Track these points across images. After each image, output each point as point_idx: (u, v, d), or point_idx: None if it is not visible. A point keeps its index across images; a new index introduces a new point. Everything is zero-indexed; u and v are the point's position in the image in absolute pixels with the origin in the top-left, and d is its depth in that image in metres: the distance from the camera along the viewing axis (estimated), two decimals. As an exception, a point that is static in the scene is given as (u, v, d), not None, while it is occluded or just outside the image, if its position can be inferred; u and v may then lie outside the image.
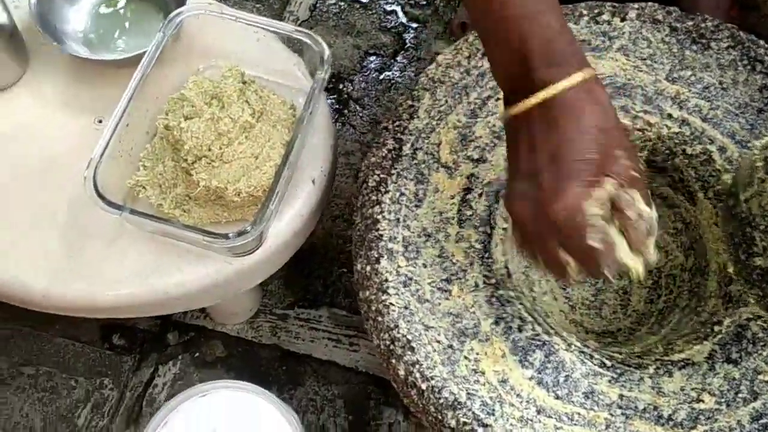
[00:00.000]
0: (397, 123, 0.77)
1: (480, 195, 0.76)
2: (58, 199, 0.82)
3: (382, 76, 1.14)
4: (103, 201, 0.73)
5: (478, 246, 0.74)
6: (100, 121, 0.86)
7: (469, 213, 0.75)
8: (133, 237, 0.79)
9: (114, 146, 0.76)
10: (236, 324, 0.97)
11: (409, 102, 0.78)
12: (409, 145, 0.76)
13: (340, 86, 1.12)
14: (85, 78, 0.87)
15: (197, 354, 0.95)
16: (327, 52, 0.80)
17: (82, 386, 0.92)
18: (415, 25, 1.17)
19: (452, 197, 0.76)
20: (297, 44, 0.83)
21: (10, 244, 0.79)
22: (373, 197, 0.74)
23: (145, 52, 0.84)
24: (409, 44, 1.15)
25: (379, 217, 0.73)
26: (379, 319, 0.70)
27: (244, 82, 0.80)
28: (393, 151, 0.76)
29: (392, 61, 1.14)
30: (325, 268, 1.01)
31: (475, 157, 0.77)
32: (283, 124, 0.79)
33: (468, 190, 0.76)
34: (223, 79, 0.77)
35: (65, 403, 0.92)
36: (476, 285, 0.72)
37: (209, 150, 0.74)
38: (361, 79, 1.13)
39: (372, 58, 1.15)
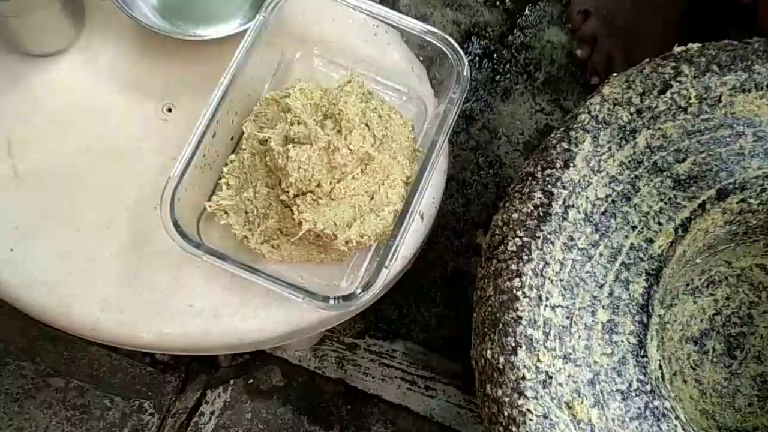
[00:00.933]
0: (548, 171, 0.62)
1: (639, 273, 0.62)
2: (115, 205, 0.67)
3: (485, 63, 0.97)
4: (181, 236, 0.58)
5: (632, 340, 0.60)
6: (170, 110, 0.70)
7: (623, 296, 0.61)
8: (205, 265, 0.65)
9: (197, 161, 0.61)
10: (298, 350, 0.84)
11: (565, 145, 0.63)
12: (560, 201, 0.62)
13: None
14: (154, 53, 0.71)
15: (251, 380, 0.82)
16: (466, 66, 0.64)
17: (118, 407, 0.80)
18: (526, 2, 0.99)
19: (605, 273, 0.62)
20: (426, 49, 0.67)
21: (56, 258, 0.65)
22: (513, 266, 0.60)
23: (233, 35, 0.68)
24: (517, 25, 0.98)
25: (519, 293, 0.60)
26: (513, 429, 0.57)
27: (366, 99, 0.64)
28: (540, 208, 0.61)
29: (497, 45, 0.97)
30: (403, 295, 0.87)
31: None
32: (404, 154, 0.64)
33: (625, 265, 0.62)
34: (342, 94, 0.61)
35: (97, 425, 0.79)
36: (628, 390, 0.59)
37: (318, 186, 0.59)
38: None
39: (474, 40, 0.98)
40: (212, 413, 0.81)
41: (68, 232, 0.66)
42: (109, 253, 0.66)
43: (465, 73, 0.64)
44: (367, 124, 0.61)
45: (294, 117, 0.61)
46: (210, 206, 0.63)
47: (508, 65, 0.96)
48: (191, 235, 0.59)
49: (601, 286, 0.62)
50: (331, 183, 0.59)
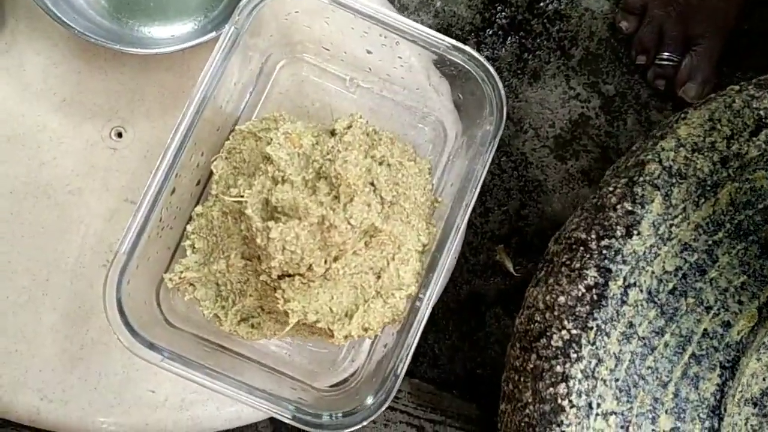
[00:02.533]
0: (606, 242, 0.48)
1: (712, 367, 0.49)
2: (51, 264, 0.53)
3: (511, 37, 0.81)
4: (131, 333, 0.45)
5: (702, 455, 0.48)
6: (120, 135, 0.55)
7: (692, 396, 0.49)
8: (166, 334, 0.52)
9: (153, 227, 0.46)
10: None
11: (628, 206, 0.48)
12: (620, 280, 0.48)
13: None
14: (98, 61, 0.55)
15: None
16: (502, 93, 0.49)
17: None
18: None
19: (670, 368, 0.49)
20: (449, 67, 0.51)
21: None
22: (558, 368, 0.47)
23: (196, 43, 0.52)
24: (550, -10, 0.81)
25: (565, 402, 0.47)
26: None
27: (372, 144, 0.48)
28: (594, 290, 0.48)
29: (526, 15, 0.80)
30: (410, 322, 0.74)
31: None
32: (419, 214, 0.49)
33: (695, 358, 0.49)
34: (340, 145, 0.46)
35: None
36: None
37: (309, 269, 0.45)
38: (486, 39, 0.80)
39: (498, 8, 0.81)
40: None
41: (-7, 300, 0.52)
42: (45, 328, 0.52)
43: (502, 101, 0.48)
44: (373, 184, 0.47)
45: (277, 171, 0.46)
46: (170, 280, 0.49)
47: (538, 40, 0.80)
48: (143, 329, 0.46)
49: (665, 385, 0.49)
50: (326, 262, 0.45)
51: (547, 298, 0.48)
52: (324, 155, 0.46)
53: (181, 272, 0.49)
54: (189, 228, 0.50)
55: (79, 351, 0.52)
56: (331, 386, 0.52)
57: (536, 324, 0.48)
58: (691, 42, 0.77)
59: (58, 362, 0.52)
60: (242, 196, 0.46)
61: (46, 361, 0.52)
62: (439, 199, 0.51)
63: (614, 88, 0.80)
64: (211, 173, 0.51)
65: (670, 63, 0.77)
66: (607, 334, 0.48)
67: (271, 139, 0.47)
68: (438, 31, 0.78)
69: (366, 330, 0.46)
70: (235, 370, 0.50)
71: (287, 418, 0.45)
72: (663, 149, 0.49)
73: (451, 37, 0.78)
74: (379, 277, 0.47)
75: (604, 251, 0.48)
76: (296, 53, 0.55)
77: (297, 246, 0.44)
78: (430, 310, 0.46)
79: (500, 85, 0.48)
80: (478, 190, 0.48)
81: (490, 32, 0.80)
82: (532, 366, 0.48)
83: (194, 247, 0.49)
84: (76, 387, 0.52)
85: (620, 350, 0.48)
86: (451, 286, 0.76)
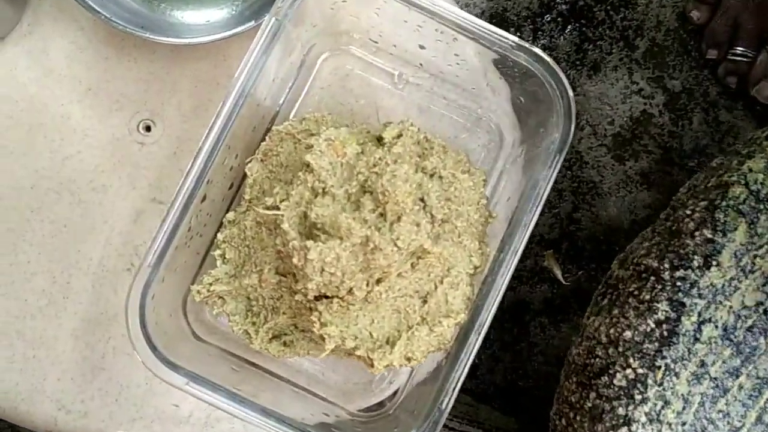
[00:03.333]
0: (681, 273, 0.43)
1: (794, 416, 0.44)
2: (72, 266, 0.49)
3: (571, 25, 0.75)
4: (158, 357, 0.41)
5: None
6: (148, 129, 0.51)
7: (769, 448, 0.44)
8: (192, 348, 0.48)
9: (181, 238, 0.42)
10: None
11: (708, 233, 0.43)
12: (694, 316, 0.43)
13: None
14: (128, 48, 0.50)
15: None
16: (572, 102, 0.44)
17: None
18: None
19: (743, 412, 0.44)
20: (511, 66, 0.46)
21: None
22: (620, 409, 0.42)
23: (232, 33, 0.47)
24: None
25: (626, 449, 0.42)
26: None
27: (423, 155, 0.44)
28: (665, 325, 0.43)
29: (587, 2, 0.74)
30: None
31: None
32: (471, 233, 0.44)
33: (774, 403, 0.44)
34: (388, 157, 0.41)
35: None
36: None
37: (349, 292, 0.41)
38: (543, 26, 0.74)
39: (556, -8, 0.75)
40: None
41: (9, 303, 0.49)
42: (65, 334, 0.49)
43: (571, 108, 0.43)
44: (423, 200, 0.42)
45: (318, 182, 0.42)
46: (198, 292, 0.45)
47: (600, 29, 0.74)
48: (168, 347, 0.42)
49: (736, 431, 0.44)
50: (368, 285, 0.41)
51: (611, 331, 0.44)
52: (370, 167, 0.41)
53: (210, 284, 0.45)
54: (220, 236, 0.46)
55: (100, 360, 0.49)
56: (366, 409, 0.48)
57: (597, 359, 0.44)
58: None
59: (78, 371, 0.48)
60: (278, 208, 0.42)
61: (65, 370, 0.48)
62: (493, 215, 0.46)
63: (681, 84, 0.74)
64: (244, 176, 0.47)
65: (744, 59, 0.71)
66: (676, 374, 0.43)
67: (312, 146, 0.42)
68: (492, 15, 0.73)
69: (409, 360, 0.42)
70: (264, 390, 0.46)
71: (319, 453, 0.41)
72: (750, 170, 0.44)
73: (506, 22, 0.72)
74: (425, 302, 0.43)
75: (678, 283, 0.43)
76: (341, 45, 0.50)
77: (337, 268, 0.39)
78: (481, 341, 0.42)
79: (571, 93, 0.43)
80: (539, 209, 0.43)
81: (549, 18, 0.74)
82: (590, 405, 0.44)
83: (225, 258, 0.45)
84: (96, 398, 0.48)
85: (689, 391, 0.43)
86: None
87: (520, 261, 0.72)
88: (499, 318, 0.72)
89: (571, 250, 0.72)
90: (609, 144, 0.74)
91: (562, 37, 0.74)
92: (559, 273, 0.70)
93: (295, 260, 0.40)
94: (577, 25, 0.74)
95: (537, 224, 0.70)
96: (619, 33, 0.74)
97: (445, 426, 0.70)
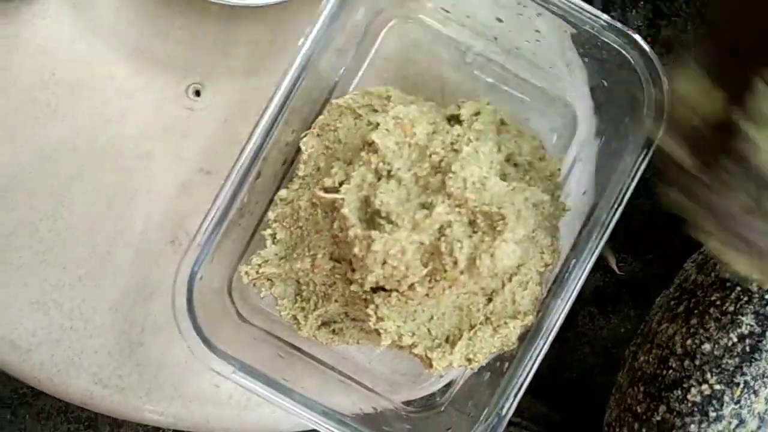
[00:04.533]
0: (772, 283, 0.40)
1: None
2: (114, 235, 0.47)
3: (642, 2, 0.70)
4: (206, 344, 0.39)
5: None
6: (197, 93, 0.48)
7: None
8: (237, 329, 0.46)
9: (233, 217, 0.40)
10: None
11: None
12: (781, 331, 0.40)
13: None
14: (178, 8, 0.47)
15: None
16: (666, 94, 0.40)
17: (130, 425, 0.65)
18: None
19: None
20: (595, 47, 0.42)
21: (30, 309, 0.46)
22: (692, 426, 0.40)
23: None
24: None
25: (696, 471, 0.40)
26: None
27: (500, 138, 0.40)
28: (749, 340, 0.39)
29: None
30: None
31: None
32: (544, 226, 0.41)
33: None
34: (465, 139, 0.38)
35: (106, 445, 0.65)
36: None
37: (410, 288, 0.38)
38: (613, 3, 0.69)
39: None
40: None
41: (47, 272, 0.46)
42: (104, 306, 0.47)
43: (664, 93, 0.39)
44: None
45: (382, 164, 0.38)
46: (246, 273, 0.42)
47: (676, 3, 0.69)
48: (213, 331, 0.40)
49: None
50: (430, 282, 0.38)
51: (688, 342, 0.40)
52: (446, 146, 0.38)
53: (259, 265, 0.42)
54: (271, 215, 0.43)
55: (139, 335, 0.46)
56: (413, 402, 0.46)
57: (671, 371, 0.41)
58: None
59: (116, 345, 0.46)
60: (337, 190, 0.39)
61: (102, 343, 0.46)
62: (567, 207, 0.43)
63: None
64: (298, 151, 0.44)
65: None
66: (755, 392, 0.40)
67: (376, 124, 0.39)
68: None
69: (470, 361, 0.39)
70: (308, 377, 0.44)
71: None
72: None
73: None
74: (490, 300, 0.40)
75: (767, 296, 0.39)
76: (410, 12, 0.46)
77: (401, 261, 0.37)
78: (548, 346, 0.39)
79: (666, 85, 0.39)
80: (621, 208, 0.40)
81: (620, -11, 0.69)
82: (659, 419, 0.41)
83: (275, 238, 0.43)
84: (133, 374, 0.46)
85: (766, 410, 0.40)
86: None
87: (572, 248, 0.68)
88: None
89: (627, 237, 0.68)
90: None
91: (634, 10, 0.69)
92: (613, 262, 0.67)
93: (356, 250, 0.37)
94: (651, -2, 0.69)
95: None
96: (696, 9, 0.69)
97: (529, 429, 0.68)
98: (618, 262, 0.68)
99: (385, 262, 0.37)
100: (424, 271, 0.37)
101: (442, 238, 0.36)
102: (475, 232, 0.36)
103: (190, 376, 0.46)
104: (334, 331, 0.43)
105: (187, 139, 0.47)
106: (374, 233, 0.36)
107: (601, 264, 0.69)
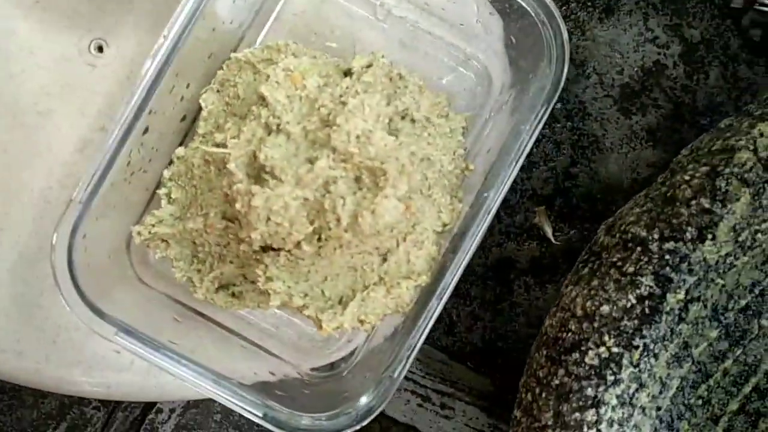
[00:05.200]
0: (671, 245, 0.39)
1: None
2: (11, 196, 0.45)
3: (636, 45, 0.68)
4: (87, 305, 0.37)
5: None
6: (100, 49, 0.46)
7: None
8: (137, 292, 0.45)
9: (119, 172, 0.38)
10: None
11: (705, 203, 0.38)
12: (681, 293, 0.39)
13: None
14: (78, -48, 0.45)
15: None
16: (566, 44, 0.38)
17: (54, 395, 0.64)
18: None
19: (726, 400, 0.41)
20: (504, 1, 0.41)
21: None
22: (589, 390, 0.39)
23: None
24: None
25: (593, 432, 0.39)
26: None
27: (396, 94, 0.39)
28: (648, 302, 0.38)
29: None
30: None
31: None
32: (444, 184, 0.40)
33: (759, 392, 0.40)
34: (358, 82, 0.36)
35: (29, 415, 0.64)
36: None
37: (297, 246, 0.37)
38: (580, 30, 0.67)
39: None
40: (172, 410, 0.65)
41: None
42: (2, 268, 0.45)
43: (563, 60, 0.38)
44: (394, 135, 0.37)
45: (272, 118, 0.37)
46: (139, 234, 0.41)
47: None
48: (101, 292, 0.38)
49: (716, 420, 0.41)
50: (319, 240, 0.37)
51: (588, 304, 0.39)
52: (335, 99, 0.36)
53: (153, 225, 0.41)
54: (165, 174, 0.41)
55: (38, 298, 0.45)
56: (320, 368, 0.45)
57: (570, 334, 0.40)
58: None
59: (14, 308, 0.45)
60: (227, 145, 0.38)
61: (0, 307, 0.45)
62: (470, 167, 0.42)
63: (700, 34, 0.68)
64: (200, 108, 0.42)
65: (773, 10, 0.65)
66: (655, 356, 0.39)
67: (268, 76, 0.38)
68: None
69: (362, 322, 0.38)
70: (208, 342, 0.43)
71: (258, 417, 0.38)
72: (761, 135, 0.39)
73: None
74: (385, 260, 0.39)
75: (667, 256, 0.38)
76: (316, -34, 0.45)
77: (284, 218, 0.35)
78: (442, 306, 0.38)
79: (565, 34, 0.38)
80: (519, 164, 0.39)
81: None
82: (558, 382, 0.40)
83: (170, 198, 0.41)
84: (32, 338, 0.45)
85: (668, 374, 0.40)
86: (479, 248, 0.68)
87: (509, 216, 0.67)
88: (481, 275, 0.68)
89: (564, 207, 0.67)
90: (616, 95, 0.68)
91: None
92: (549, 231, 0.66)
93: (238, 205, 0.36)
94: (592, -38, 0.68)
95: (530, 178, 0.66)
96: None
97: (415, 383, 0.67)
98: (555, 233, 0.67)
99: (268, 219, 0.36)
100: (310, 229, 0.36)
101: (327, 195, 0.35)
102: (360, 189, 0.35)
103: (90, 342, 0.45)
104: (233, 294, 0.42)
105: (89, 97, 0.45)
106: (255, 188, 0.35)
107: (537, 233, 0.68)
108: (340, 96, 0.36)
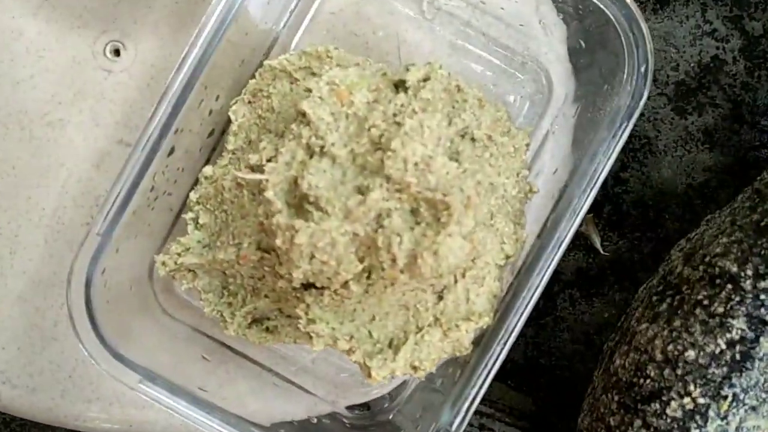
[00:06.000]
0: (767, 283, 0.34)
1: None
2: (19, 216, 0.41)
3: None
4: (110, 351, 0.33)
5: None
6: (117, 53, 0.41)
7: None
8: (160, 322, 0.40)
9: (141, 198, 0.34)
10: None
11: (807, 235, 0.34)
12: (777, 337, 0.34)
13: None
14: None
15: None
16: (650, 54, 0.34)
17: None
18: None
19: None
20: (573, 2, 0.36)
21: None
22: (672, 444, 0.34)
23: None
24: None
25: (675, 494, 0.34)
26: None
27: (455, 109, 0.34)
28: (739, 346, 0.34)
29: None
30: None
31: None
32: (507, 211, 0.35)
33: None
34: (414, 99, 0.32)
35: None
36: None
37: (344, 285, 0.32)
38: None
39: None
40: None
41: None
42: (12, 296, 0.41)
43: (647, 75, 0.33)
44: (457, 158, 0.33)
45: (315, 138, 0.32)
46: (164, 263, 0.36)
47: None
48: (122, 334, 0.34)
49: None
50: (369, 278, 0.32)
51: (670, 347, 0.35)
52: (388, 118, 0.32)
53: (179, 254, 0.36)
54: (193, 196, 0.37)
55: (52, 329, 0.41)
56: (360, 406, 0.41)
57: (648, 380, 0.35)
58: None
59: (26, 340, 0.41)
60: (263, 169, 0.33)
61: (10, 338, 0.41)
62: (535, 189, 0.37)
63: (762, 27, 0.63)
64: (228, 121, 0.38)
65: None
66: (746, 407, 0.34)
67: (310, 90, 0.33)
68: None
69: (415, 369, 0.34)
70: (239, 378, 0.39)
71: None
72: None
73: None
74: (441, 298, 0.34)
75: (762, 296, 0.34)
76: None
77: (331, 256, 0.31)
78: (506, 352, 0.34)
79: (650, 44, 0.33)
80: (595, 190, 0.34)
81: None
82: (632, 434, 0.35)
83: (198, 223, 0.37)
84: (46, 372, 0.41)
85: (757, 426, 0.35)
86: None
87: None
88: (524, 286, 0.63)
89: (613, 215, 0.63)
90: (670, 93, 0.63)
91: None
92: (597, 241, 0.61)
93: (278, 241, 0.31)
94: (646, -52, 0.62)
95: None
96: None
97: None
98: (603, 242, 0.63)
99: (313, 257, 0.31)
100: (360, 267, 0.31)
101: (380, 230, 0.31)
102: (417, 223, 0.31)
103: (106, 377, 0.41)
104: (267, 329, 0.38)
105: (104, 106, 0.41)
106: (298, 223, 0.30)
107: (584, 243, 0.64)
108: (394, 115, 0.32)
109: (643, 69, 0.33)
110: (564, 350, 0.65)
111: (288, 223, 0.31)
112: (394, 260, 0.30)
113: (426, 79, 0.33)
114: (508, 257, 0.35)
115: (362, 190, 0.31)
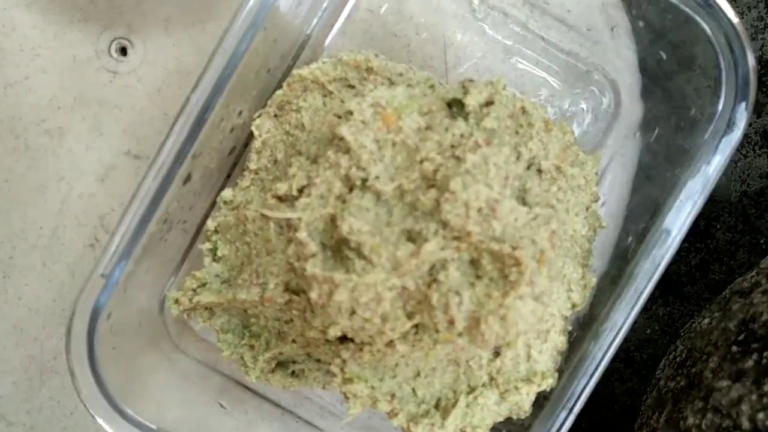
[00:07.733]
0: None
1: None
2: (14, 239, 0.36)
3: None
4: (117, 413, 0.29)
5: None
6: (124, 51, 0.36)
7: None
8: (174, 364, 0.36)
9: (150, 236, 0.29)
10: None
11: None
12: None
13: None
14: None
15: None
16: (752, 72, 0.29)
17: None
18: None
19: None
20: (655, 9, 0.30)
21: None
22: None
23: None
24: None
25: None
26: None
27: (521, 137, 0.29)
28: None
29: None
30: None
31: None
32: (575, 253, 0.31)
33: None
34: (476, 128, 0.27)
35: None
36: None
37: (389, 344, 0.28)
38: None
39: None
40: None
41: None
42: (7, 325, 0.37)
43: (748, 99, 0.28)
44: (523, 196, 0.28)
45: (356, 169, 0.28)
46: (177, 302, 0.32)
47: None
48: (125, 388, 0.30)
49: None
50: (416, 333, 0.28)
51: (760, 416, 0.30)
52: (444, 150, 0.27)
53: (194, 291, 0.32)
54: (210, 223, 0.32)
55: (52, 361, 0.37)
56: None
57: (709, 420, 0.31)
58: None
59: (23, 373, 0.37)
60: (296, 199, 0.28)
61: (6, 371, 0.37)
62: (604, 225, 0.32)
63: (831, 20, 0.57)
64: (250, 135, 0.33)
65: None
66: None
67: (350, 111, 0.28)
68: None
69: (474, 428, 0.30)
70: (260, 421, 0.35)
71: None
72: None
73: None
74: (497, 354, 0.30)
75: None
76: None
77: (375, 313, 0.26)
78: (571, 422, 0.29)
79: (752, 61, 0.28)
80: (684, 230, 0.29)
81: None
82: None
83: (216, 255, 0.32)
84: (45, 409, 0.37)
85: None
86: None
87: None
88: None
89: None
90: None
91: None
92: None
93: (313, 295, 0.27)
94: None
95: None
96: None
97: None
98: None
99: (353, 312, 0.27)
100: (408, 326, 0.27)
101: (434, 285, 0.26)
102: (479, 278, 0.26)
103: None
104: (293, 372, 0.33)
105: (109, 112, 0.36)
106: (338, 276, 0.26)
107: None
108: (452, 147, 0.27)
109: (739, 97, 0.28)
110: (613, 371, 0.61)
111: (325, 275, 0.26)
112: (451, 322, 0.26)
113: (489, 103, 0.28)
114: (574, 306, 0.30)
115: (413, 236, 0.27)
